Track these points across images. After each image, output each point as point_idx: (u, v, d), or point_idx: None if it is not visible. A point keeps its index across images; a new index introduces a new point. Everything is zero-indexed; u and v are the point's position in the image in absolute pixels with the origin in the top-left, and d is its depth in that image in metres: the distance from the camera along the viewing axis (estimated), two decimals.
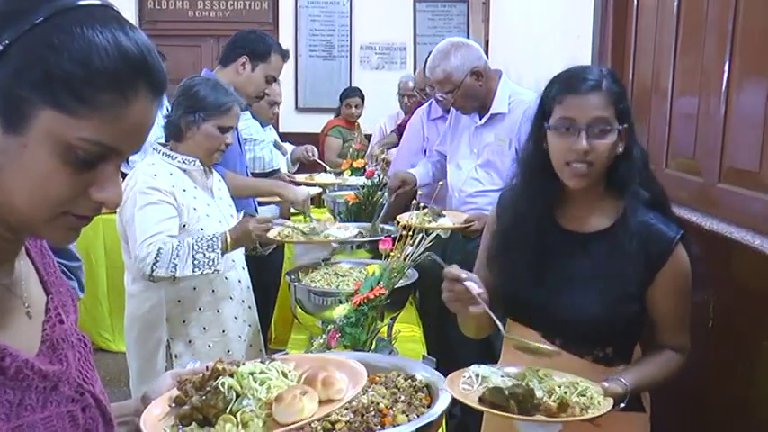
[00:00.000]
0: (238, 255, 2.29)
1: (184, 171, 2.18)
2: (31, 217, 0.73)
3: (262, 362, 1.10)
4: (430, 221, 2.59)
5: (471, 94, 2.74)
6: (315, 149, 4.13)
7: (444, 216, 2.69)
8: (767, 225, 1.74)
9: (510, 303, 1.65)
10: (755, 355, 1.67)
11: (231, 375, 1.06)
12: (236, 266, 2.29)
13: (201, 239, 2.06)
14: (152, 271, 2.01)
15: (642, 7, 2.64)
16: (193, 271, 2.03)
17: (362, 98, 5.51)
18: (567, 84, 1.50)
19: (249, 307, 2.34)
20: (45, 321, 0.84)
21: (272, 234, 2.34)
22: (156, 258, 2.00)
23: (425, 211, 2.65)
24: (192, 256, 2.03)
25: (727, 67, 1.92)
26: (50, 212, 0.73)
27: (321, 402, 1.02)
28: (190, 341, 2.16)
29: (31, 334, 0.82)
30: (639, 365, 1.53)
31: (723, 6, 1.95)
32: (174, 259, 2.01)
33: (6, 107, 0.70)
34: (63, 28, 0.70)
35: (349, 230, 2.67)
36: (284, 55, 2.90)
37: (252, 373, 1.06)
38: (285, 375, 1.08)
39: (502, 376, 1.42)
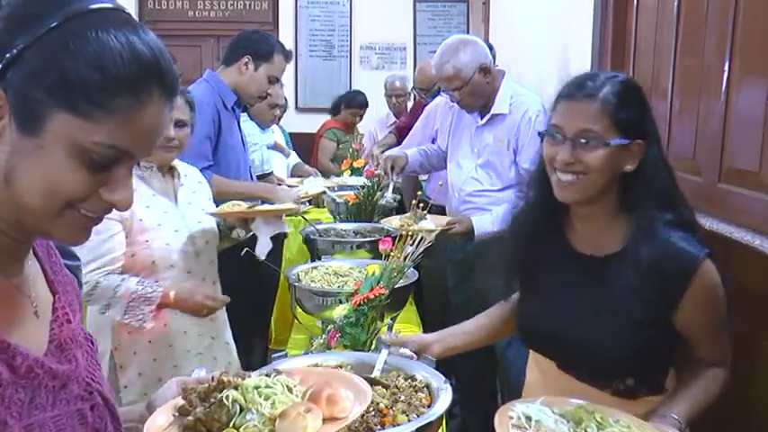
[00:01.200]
0: (196, 264, 2.14)
1: (142, 178, 2.07)
2: (42, 214, 0.74)
3: (267, 375, 1.09)
4: (411, 224, 2.61)
5: (478, 91, 2.74)
6: (320, 175, 4.08)
7: (426, 219, 2.71)
8: (767, 225, 1.74)
9: (523, 329, 1.58)
10: (755, 355, 1.67)
11: (236, 388, 1.05)
12: (189, 279, 2.12)
13: (143, 289, 1.94)
14: (86, 300, 1.94)
15: (642, 7, 2.64)
16: (122, 318, 1.95)
17: (367, 106, 5.44)
18: (566, 88, 1.42)
19: (211, 320, 2.17)
20: (52, 321, 0.85)
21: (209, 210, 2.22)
22: (91, 291, 1.93)
23: (408, 214, 2.68)
24: (127, 303, 1.93)
25: (727, 67, 1.92)
26: (57, 208, 0.74)
27: (325, 420, 1.02)
28: (135, 352, 2.05)
29: (38, 333, 0.82)
30: (685, 393, 1.39)
31: (723, 6, 1.95)
32: (110, 299, 1.93)
33: (22, 109, 0.71)
34: (78, 32, 0.71)
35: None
36: (287, 55, 2.90)
37: (257, 387, 1.04)
38: (290, 390, 1.07)
39: (553, 416, 1.27)
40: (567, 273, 1.46)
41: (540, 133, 1.46)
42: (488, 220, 2.74)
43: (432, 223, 2.68)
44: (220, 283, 2.28)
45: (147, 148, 0.77)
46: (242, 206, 2.31)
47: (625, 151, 1.36)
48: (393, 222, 2.77)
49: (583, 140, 1.35)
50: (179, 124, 2.10)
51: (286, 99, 5.09)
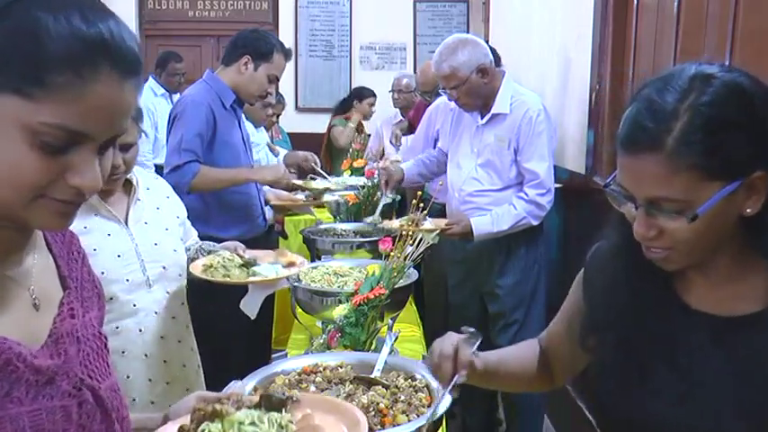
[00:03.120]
0: (147, 297, 1.87)
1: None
2: (14, 204, 0.74)
3: (266, 406, 1.03)
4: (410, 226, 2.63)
5: (475, 92, 2.75)
6: (317, 158, 4.05)
7: (426, 221, 2.72)
8: None
9: (605, 409, 1.14)
10: None
11: (222, 418, 1.00)
12: (136, 314, 1.85)
13: None
14: None
15: (642, 7, 2.64)
16: None
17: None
18: (623, 128, 0.97)
19: (165, 362, 1.90)
20: (56, 316, 0.85)
21: (196, 269, 1.94)
22: None
23: (408, 216, 2.71)
24: None
25: None
26: (26, 197, 0.74)
27: None
28: None
29: (36, 326, 0.83)
30: None
31: (723, 6, 1.95)
32: None
33: None
34: (14, 14, 0.71)
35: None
36: (287, 54, 2.90)
37: (240, 423, 0.99)
38: (282, 427, 1.01)
39: None
40: (679, 338, 1.04)
41: (605, 186, 1.04)
42: (488, 221, 2.75)
43: (431, 225, 2.69)
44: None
45: (104, 127, 0.76)
46: (235, 261, 1.99)
47: (737, 195, 0.93)
48: (393, 224, 2.78)
49: (659, 208, 0.95)
50: (125, 148, 1.81)
51: (283, 97, 5.10)
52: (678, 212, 0.93)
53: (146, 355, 1.86)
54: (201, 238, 2.69)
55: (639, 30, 2.65)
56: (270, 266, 2.01)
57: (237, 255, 2.04)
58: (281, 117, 5.22)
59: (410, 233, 2.05)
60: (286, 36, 6.79)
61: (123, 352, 1.81)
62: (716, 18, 2.00)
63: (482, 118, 2.84)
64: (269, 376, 1.57)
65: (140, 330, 1.85)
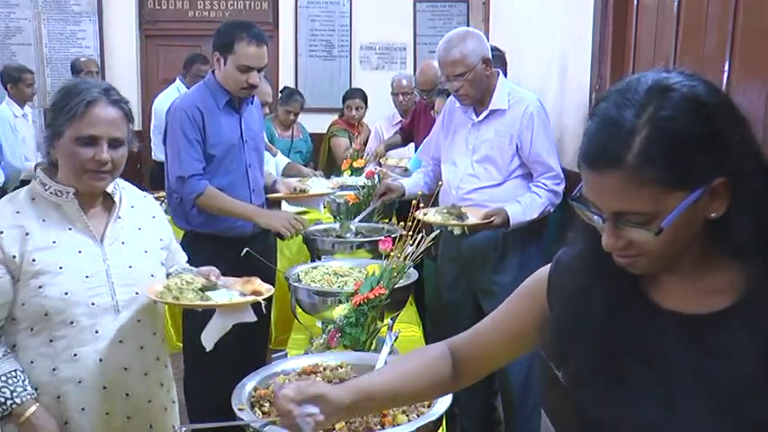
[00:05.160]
0: (113, 324, 1.71)
1: (57, 206, 1.68)
2: None
3: None
4: (450, 220, 2.63)
5: (479, 82, 2.77)
6: (314, 171, 4.04)
7: (465, 214, 2.70)
8: None
9: (585, 415, 1.12)
10: None
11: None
12: (97, 340, 1.69)
13: (2, 386, 1.57)
14: None
15: (642, 7, 2.64)
16: None
17: (365, 99, 5.30)
18: (583, 145, 0.98)
19: (127, 395, 1.74)
20: None
21: (152, 293, 1.72)
22: None
23: (447, 209, 2.70)
24: None
25: (727, 67, 1.92)
26: None
27: None
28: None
29: None
30: None
31: (723, 6, 1.96)
32: None
33: None
34: None
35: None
36: (256, 39, 2.72)
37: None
38: None
39: None
40: (652, 339, 1.03)
41: (572, 199, 1.04)
42: (519, 209, 2.76)
43: (474, 219, 2.68)
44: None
45: None
46: (194, 284, 1.79)
47: (700, 202, 0.94)
48: (430, 218, 2.63)
49: (624, 221, 0.96)
50: (115, 144, 1.67)
51: (301, 96, 5.08)
52: (644, 224, 0.94)
53: (105, 387, 1.70)
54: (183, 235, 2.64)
55: (639, 30, 2.66)
56: (225, 293, 1.82)
57: (207, 279, 1.83)
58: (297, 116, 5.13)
59: (410, 232, 2.05)
60: (286, 36, 6.81)
61: (80, 381, 1.67)
62: (716, 18, 2.00)
63: (477, 115, 2.86)
64: (269, 376, 1.57)
65: (100, 360, 1.69)
